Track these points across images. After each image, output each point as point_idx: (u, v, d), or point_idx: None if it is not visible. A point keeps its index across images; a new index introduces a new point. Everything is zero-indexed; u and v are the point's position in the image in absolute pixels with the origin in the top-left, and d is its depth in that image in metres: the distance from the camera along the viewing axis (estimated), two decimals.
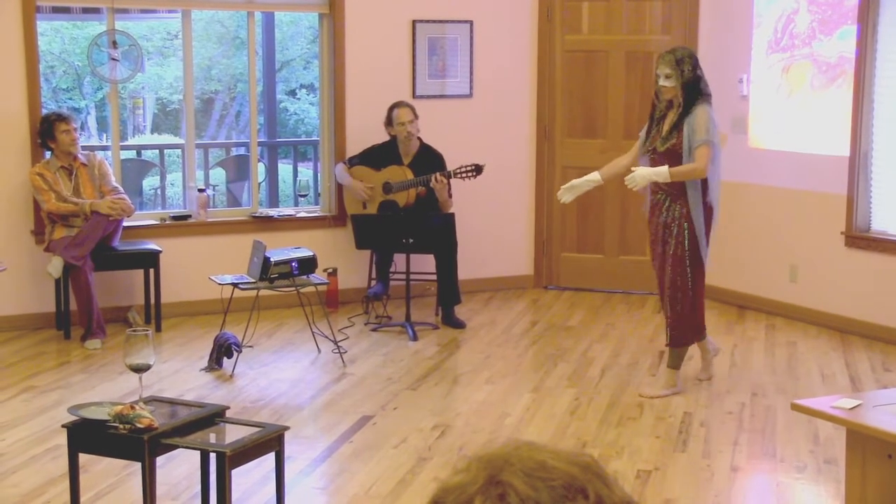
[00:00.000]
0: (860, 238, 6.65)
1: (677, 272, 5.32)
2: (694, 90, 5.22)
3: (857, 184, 6.63)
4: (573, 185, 5.54)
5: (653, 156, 5.33)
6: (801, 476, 4.44)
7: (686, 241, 5.28)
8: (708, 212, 5.31)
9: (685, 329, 5.43)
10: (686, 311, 5.38)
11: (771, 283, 7.24)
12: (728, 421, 5.11)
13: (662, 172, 5.20)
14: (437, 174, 6.80)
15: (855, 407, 3.64)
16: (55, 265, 6.34)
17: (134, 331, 3.69)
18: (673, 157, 5.23)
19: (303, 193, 7.90)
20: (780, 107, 7.15)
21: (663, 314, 5.54)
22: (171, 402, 3.98)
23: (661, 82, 5.24)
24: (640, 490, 4.25)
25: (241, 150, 10.58)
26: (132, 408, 3.53)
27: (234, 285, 6.03)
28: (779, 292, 7.17)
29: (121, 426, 3.49)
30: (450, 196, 6.97)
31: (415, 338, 6.56)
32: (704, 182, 5.26)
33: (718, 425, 5.05)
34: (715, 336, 6.70)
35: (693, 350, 5.71)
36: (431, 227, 6.69)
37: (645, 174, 5.25)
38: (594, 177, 5.52)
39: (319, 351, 6.27)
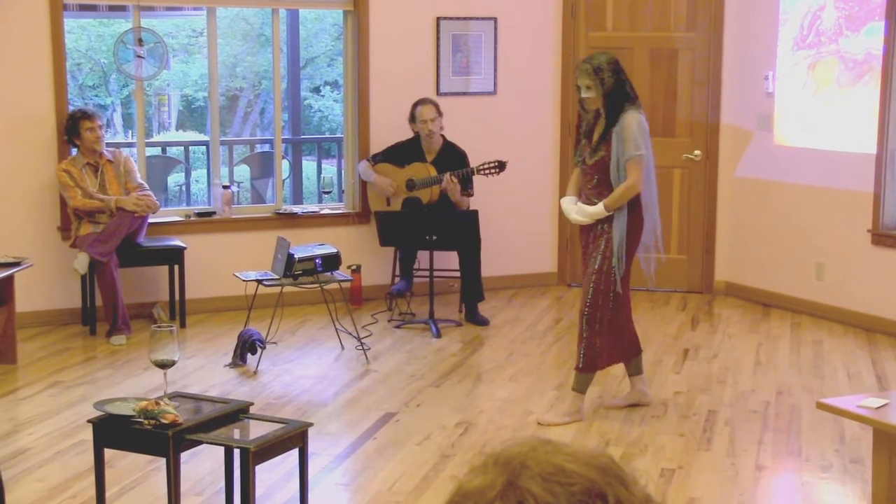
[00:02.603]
0: (887, 236, 6.60)
1: (600, 289, 4.91)
2: (618, 97, 4.86)
3: (884, 181, 6.58)
4: (580, 210, 5.02)
5: (583, 167, 5.03)
6: (827, 475, 4.41)
7: (612, 256, 4.90)
8: (636, 224, 4.93)
9: (601, 351, 4.99)
10: (604, 331, 4.96)
11: (797, 281, 7.19)
12: (753, 419, 5.08)
13: (599, 212, 4.87)
14: (449, 174, 6.79)
15: (881, 406, 3.61)
16: (81, 261, 6.38)
17: (159, 327, 3.71)
18: (601, 168, 4.90)
19: (327, 190, 7.91)
20: (807, 104, 7.10)
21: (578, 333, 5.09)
22: (196, 398, 3.99)
23: (583, 94, 4.90)
24: (664, 489, 4.24)
25: (266, 147, 10.62)
26: (157, 403, 3.55)
27: (259, 282, 6.05)
28: (805, 290, 7.13)
29: (146, 422, 3.51)
30: (470, 195, 6.96)
31: (438, 335, 6.56)
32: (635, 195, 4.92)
33: (743, 424, 5.02)
34: (740, 335, 6.68)
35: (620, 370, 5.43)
36: (455, 224, 6.69)
37: (586, 217, 4.94)
38: (574, 201, 5.08)
39: (343, 348, 6.28)
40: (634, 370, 5.24)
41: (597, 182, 4.96)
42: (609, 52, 5.10)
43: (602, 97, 4.88)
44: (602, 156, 4.91)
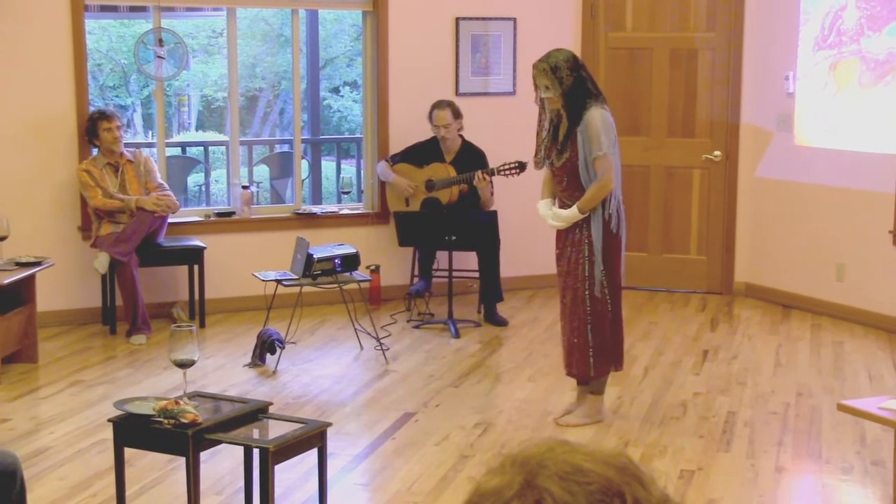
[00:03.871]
0: None
1: (595, 296, 4.82)
2: (579, 94, 4.71)
3: None
4: (556, 215, 4.92)
5: (552, 169, 4.88)
6: (848, 478, 4.38)
7: (598, 261, 4.78)
8: (608, 226, 4.77)
9: (610, 354, 4.91)
10: (607, 335, 4.87)
11: (817, 282, 7.15)
12: (773, 421, 5.06)
13: (574, 215, 4.75)
14: (481, 172, 6.79)
15: None
16: (101, 261, 6.41)
17: (178, 326, 3.72)
18: (570, 170, 4.77)
19: (346, 190, 7.92)
20: (827, 104, 7.06)
21: (563, 340, 5.01)
22: (215, 398, 4.00)
23: (543, 94, 4.76)
24: (684, 490, 4.22)
25: (285, 148, 10.64)
26: (176, 403, 3.56)
27: (278, 282, 6.06)
28: (825, 291, 7.09)
29: (165, 421, 3.52)
30: (491, 194, 6.97)
31: (457, 335, 6.56)
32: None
33: (763, 425, 5.00)
34: (759, 336, 6.65)
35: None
36: (474, 225, 6.69)
37: (562, 221, 4.84)
38: (549, 205, 4.98)
39: (362, 348, 6.29)
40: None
41: (567, 184, 4.83)
42: (566, 49, 4.91)
43: (561, 97, 4.72)
44: (568, 157, 4.77)
